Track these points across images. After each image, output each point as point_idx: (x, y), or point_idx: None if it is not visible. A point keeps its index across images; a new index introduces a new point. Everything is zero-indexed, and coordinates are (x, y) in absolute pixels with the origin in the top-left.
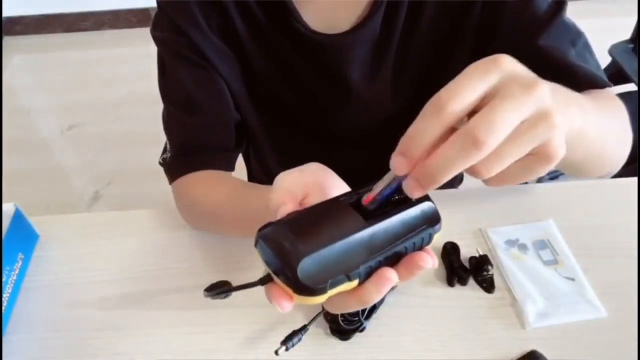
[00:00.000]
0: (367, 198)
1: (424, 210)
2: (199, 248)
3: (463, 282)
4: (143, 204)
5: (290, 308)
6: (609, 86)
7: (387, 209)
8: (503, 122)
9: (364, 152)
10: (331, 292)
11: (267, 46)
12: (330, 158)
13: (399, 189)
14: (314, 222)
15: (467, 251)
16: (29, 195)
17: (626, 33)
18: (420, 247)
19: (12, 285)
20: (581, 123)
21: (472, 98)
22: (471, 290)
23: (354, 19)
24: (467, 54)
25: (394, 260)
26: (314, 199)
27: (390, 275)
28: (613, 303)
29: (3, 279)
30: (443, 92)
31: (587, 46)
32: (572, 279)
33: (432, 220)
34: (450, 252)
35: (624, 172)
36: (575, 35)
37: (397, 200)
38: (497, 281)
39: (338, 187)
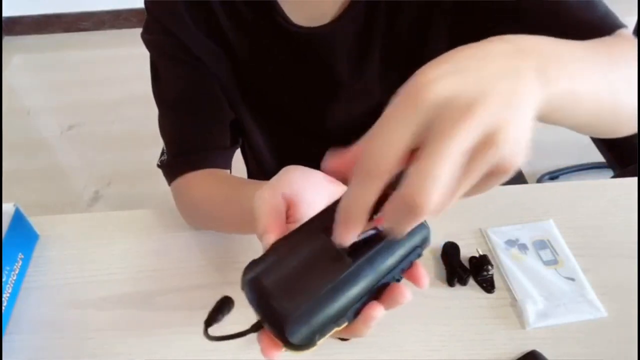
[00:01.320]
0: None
1: (413, 232)
2: (199, 248)
3: (463, 282)
4: (143, 204)
5: (280, 356)
6: (618, 28)
7: (371, 232)
8: (440, 174)
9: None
10: (321, 342)
11: (254, 43)
12: (321, 153)
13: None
14: (298, 266)
15: (467, 251)
16: (29, 195)
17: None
18: (410, 266)
19: (12, 285)
20: (569, 84)
21: (399, 153)
22: (471, 290)
23: (336, 11)
24: (446, 37)
25: (382, 290)
26: (296, 209)
27: (377, 313)
28: (613, 303)
29: (3, 279)
30: (366, 156)
31: None
32: (572, 279)
33: (420, 236)
34: (450, 252)
35: (624, 172)
36: None
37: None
38: (497, 281)
39: (315, 185)
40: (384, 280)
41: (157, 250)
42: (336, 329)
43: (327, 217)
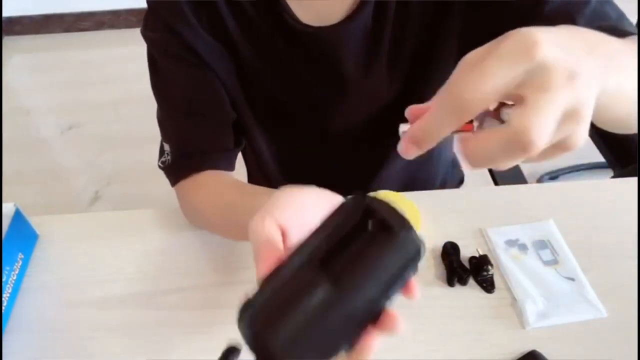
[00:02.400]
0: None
1: (403, 244)
2: (199, 248)
3: (463, 282)
4: (143, 204)
5: None
6: (630, 34)
7: (364, 253)
8: (551, 119)
9: (359, 149)
10: None
11: (259, 42)
12: (325, 156)
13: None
14: (289, 303)
15: (467, 251)
16: (29, 195)
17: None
18: (407, 283)
19: (12, 285)
20: (617, 81)
21: (499, 91)
22: (471, 290)
23: (345, 10)
24: (456, 38)
25: (379, 314)
26: (292, 234)
27: (374, 344)
28: (613, 303)
29: (3, 279)
30: (465, 89)
31: None
32: (572, 279)
33: (414, 250)
34: (450, 252)
35: (624, 172)
36: None
37: (373, 233)
38: (497, 281)
39: (309, 206)
40: (379, 307)
41: (157, 250)
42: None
43: (315, 242)
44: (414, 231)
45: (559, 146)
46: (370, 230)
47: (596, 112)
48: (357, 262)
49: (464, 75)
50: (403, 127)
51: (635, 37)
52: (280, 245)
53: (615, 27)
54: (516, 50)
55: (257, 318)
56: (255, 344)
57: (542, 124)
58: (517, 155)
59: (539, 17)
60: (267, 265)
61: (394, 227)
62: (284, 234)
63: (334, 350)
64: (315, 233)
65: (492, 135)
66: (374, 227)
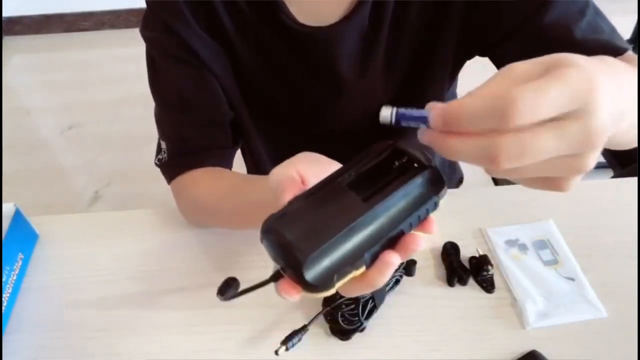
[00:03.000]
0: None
1: (427, 178)
2: (200, 248)
3: (463, 282)
4: (143, 204)
5: (299, 298)
6: (625, 50)
7: (389, 180)
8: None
9: (356, 150)
10: (339, 284)
11: (256, 42)
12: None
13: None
14: (315, 212)
15: (467, 251)
16: (29, 195)
17: (626, 33)
18: (426, 217)
19: (12, 285)
20: (633, 113)
21: (541, 118)
22: (471, 290)
23: (342, 11)
24: (454, 43)
25: (398, 237)
26: (310, 181)
27: (393, 260)
28: (613, 303)
29: (3, 279)
30: (520, 99)
31: (597, 12)
32: (572, 279)
33: (437, 187)
34: (450, 252)
35: (623, 172)
36: (583, 4)
37: (399, 168)
38: (497, 281)
39: (329, 163)
40: (400, 227)
41: (157, 250)
42: (354, 272)
43: (340, 173)
44: (439, 170)
45: (568, 164)
46: (398, 165)
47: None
48: (384, 185)
49: (517, 85)
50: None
51: (629, 53)
52: (298, 180)
53: (610, 42)
54: (579, 86)
55: (285, 224)
56: (279, 246)
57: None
58: (502, 115)
59: (538, 25)
60: (290, 192)
61: (423, 162)
62: (302, 181)
63: (356, 260)
64: (342, 168)
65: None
66: (403, 162)
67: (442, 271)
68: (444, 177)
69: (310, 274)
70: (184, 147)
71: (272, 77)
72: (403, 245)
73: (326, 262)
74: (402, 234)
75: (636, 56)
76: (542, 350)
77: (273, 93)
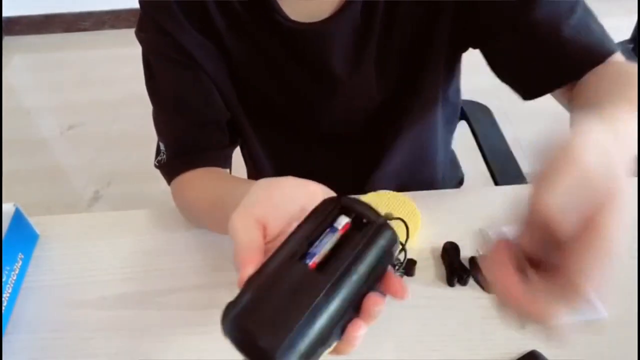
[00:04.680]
0: (313, 264)
1: (379, 235)
2: (199, 248)
3: (463, 282)
4: (143, 204)
5: None
6: (612, 53)
7: (342, 245)
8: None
9: (352, 148)
10: None
11: (249, 41)
12: (317, 155)
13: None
14: (275, 296)
15: (467, 251)
16: (29, 195)
17: (626, 33)
18: (384, 272)
19: (12, 285)
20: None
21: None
22: (471, 290)
23: (333, 6)
24: (446, 37)
25: (361, 299)
26: (272, 227)
27: (361, 332)
28: (613, 303)
29: (3, 279)
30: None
31: (587, 11)
32: None
33: (389, 240)
34: (450, 252)
35: None
36: (573, 2)
37: (352, 227)
38: None
39: (287, 196)
40: (362, 291)
41: (157, 250)
42: (327, 350)
43: (295, 239)
44: (387, 222)
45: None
46: (349, 224)
47: None
48: (339, 251)
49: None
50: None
51: (617, 55)
52: (260, 243)
53: (597, 44)
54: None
55: (246, 317)
56: (245, 343)
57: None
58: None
59: (526, 22)
60: (247, 268)
61: (371, 218)
62: (265, 227)
63: (326, 339)
64: (293, 234)
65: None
66: (353, 220)
67: (442, 271)
68: (393, 228)
69: None
70: (181, 148)
71: (266, 75)
72: (366, 311)
73: (297, 352)
74: (364, 295)
75: (623, 58)
76: (542, 350)
77: (267, 91)
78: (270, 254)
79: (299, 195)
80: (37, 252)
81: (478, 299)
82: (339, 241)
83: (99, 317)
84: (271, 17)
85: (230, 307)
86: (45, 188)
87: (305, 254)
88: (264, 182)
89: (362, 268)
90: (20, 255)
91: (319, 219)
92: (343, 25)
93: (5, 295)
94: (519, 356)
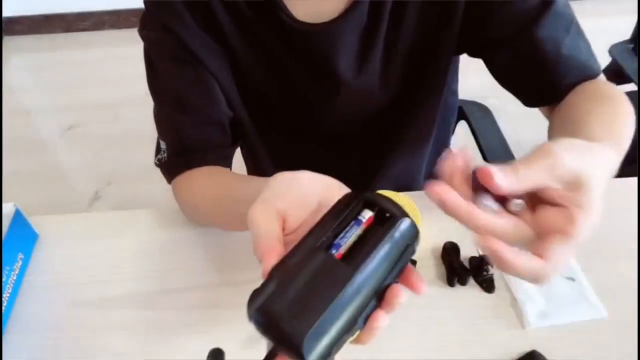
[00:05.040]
0: (339, 254)
1: (403, 229)
2: (199, 248)
3: (463, 282)
4: (143, 204)
5: None
6: (598, 74)
7: (367, 237)
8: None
9: (355, 148)
10: (337, 353)
11: (254, 41)
12: (321, 156)
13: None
14: (301, 284)
15: (467, 251)
16: (29, 195)
17: (626, 33)
18: (406, 265)
19: (12, 285)
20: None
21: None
22: (471, 290)
23: (340, 7)
24: (454, 43)
25: (384, 291)
26: (291, 219)
27: (383, 322)
28: (613, 303)
29: (3, 279)
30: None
31: (579, 31)
32: (572, 279)
33: (412, 235)
34: (450, 252)
35: (623, 172)
36: (568, 22)
37: (374, 220)
38: (497, 281)
39: (305, 189)
40: (385, 282)
41: (157, 250)
42: (350, 339)
43: (319, 231)
44: (410, 217)
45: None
46: (373, 217)
47: None
48: (363, 243)
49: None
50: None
51: (602, 77)
52: (280, 235)
53: (587, 65)
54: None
55: (274, 303)
56: (272, 328)
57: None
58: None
59: (530, 36)
60: (271, 257)
61: (395, 213)
62: (284, 220)
63: (351, 328)
64: (318, 225)
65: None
66: (376, 213)
67: (442, 271)
68: (416, 224)
69: (310, 353)
70: (183, 147)
71: (270, 75)
72: (388, 302)
73: (324, 339)
74: (387, 287)
75: (605, 80)
76: (542, 350)
77: (271, 91)
78: (289, 246)
79: (316, 190)
80: (37, 252)
81: (478, 299)
82: (362, 234)
83: (99, 317)
84: (277, 17)
85: (256, 293)
86: (45, 188)
87: (330, 245)
88: (282, 175)
89: (386, 260)
90: (20, 255)
91: (344, 212)
92: (349, 27)
93: (5, 295)
94: (519, 356)
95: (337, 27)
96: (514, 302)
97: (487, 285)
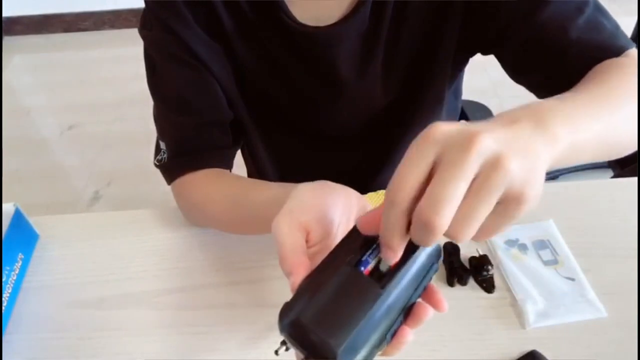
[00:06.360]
0: (367, 271)
1: (428, 250)
2: (200, 248)
3: (463, 282)
4: (143, 204)
5: None
6: (625, 49)
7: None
8: (447, 195)
9: (356, 151)
10: None
11: (256, 42)
12: (321, 158)
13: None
14: (331, 300)
15: (467, 251)
16: (29, 195)
17: (626, 33)
18: (429, 281)
19: (12, 285)
20: (570, 139)
21: (416, 182)
22: (471, 290)
23: (342, 10)
24: (455, 42)
25: (410, 308)
26: (315, 232)
27: (410, 337)
28: (613, 303)
29: (3, 279)
30: (390, 186)
31: (598, 9)
32: (572, 279)
33: (436, 254)
34: (450, 252)
35: (624, 172)
36: (582, 2)
37: None
38: (497, 281)
39: (329, 200)
40: (411, 300)
41: (158, 250)
42: (378, 353)
43: (346, 248)
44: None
45: (505, 201)
46: None
47: (559, 163)
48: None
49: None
50: None
51: (631, 51)
52: (305, 248)
53: (607, 42)
54: (417, 142)
55: (307, 317)
56: (303, 342)
57: (435, 199)
58: (430, 237)
59: (533, 24)
60: (299, 272)
61: None
62: (308, 233)
63: (380, 343)
64: (345, 241)
65: (411, 230)
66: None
67: (442, 271)
68: (439, 243)
69: None
70: (183, 148)
71: (272, 77)
72: (415, 318)
73: (357, 354)
74: (413, 304)
75: (634, 55)
76: (542, 350)
77: (273, 93)
78: (311, 259)
79: (339, 203)
80: (37, 252)
81: (478, 299)
82: None
83: (99, 317)
84: (279, 19)
85: (287, 307)
86: (45, 188)
87: (359, 261)
88: (305, 187)
89: (414, 279)
90: (20, 255)
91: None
92: (351, 29)
93: (5, 295)
94: (519, 356)
95: (338, 30)
96: (514, 302)
97: (487, 285)
